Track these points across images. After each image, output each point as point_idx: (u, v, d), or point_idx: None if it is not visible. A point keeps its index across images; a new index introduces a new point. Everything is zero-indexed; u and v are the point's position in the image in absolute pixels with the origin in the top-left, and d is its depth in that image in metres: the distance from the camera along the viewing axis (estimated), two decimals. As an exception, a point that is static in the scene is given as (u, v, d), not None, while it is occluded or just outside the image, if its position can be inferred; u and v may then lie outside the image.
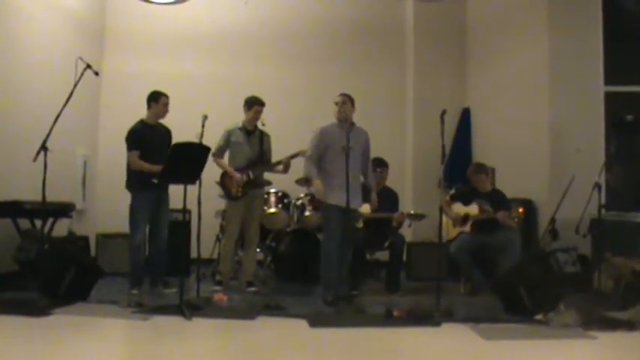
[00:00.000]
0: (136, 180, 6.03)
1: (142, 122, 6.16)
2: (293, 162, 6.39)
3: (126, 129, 6.14)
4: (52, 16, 7.06)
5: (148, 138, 6.05)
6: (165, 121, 6.29)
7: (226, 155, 6.48)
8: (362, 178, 6.09)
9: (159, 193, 6.05)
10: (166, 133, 6.28)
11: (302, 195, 7.20)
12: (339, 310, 5.32)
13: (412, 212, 6.71)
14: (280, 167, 6.44)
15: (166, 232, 6.21)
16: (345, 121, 5.88)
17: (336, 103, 5.90)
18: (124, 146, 6.14)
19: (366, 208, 6.27)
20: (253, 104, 6.38)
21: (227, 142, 6.40)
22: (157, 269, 6.19)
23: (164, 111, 6.19)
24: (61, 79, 6.17)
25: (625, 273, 5.40)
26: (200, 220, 5.53)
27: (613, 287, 5.45)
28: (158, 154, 5.77)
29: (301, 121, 7.95)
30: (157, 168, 5.69)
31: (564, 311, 4.81)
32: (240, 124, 6.42)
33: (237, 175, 6.29)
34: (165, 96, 6.19)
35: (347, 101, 5.90)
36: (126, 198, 6.12)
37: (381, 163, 6.73)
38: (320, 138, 5.90)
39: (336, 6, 9.00)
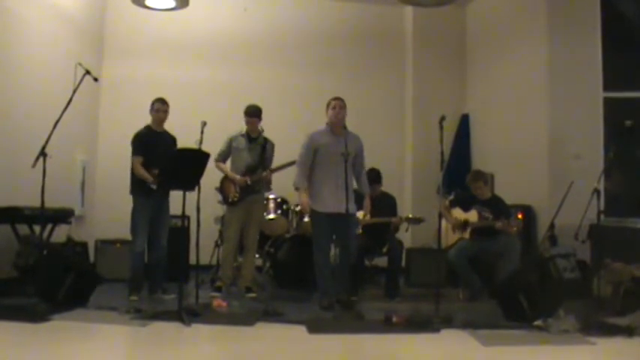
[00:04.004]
0: (137, 185, 6.05)
1: (147, 128, 6.18)
2: (286, 172, 6.36)
3: (125, 135, 6.16)
4: (51, 21, 7.06)
5: (151, 144, 6.05)
6: (164, 127, 6.28)
7: (229, 162, 6.48)
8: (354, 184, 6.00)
9: (159, 199, 6.05)
10: (171, 140, 6.26)
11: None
12: (336, 315, 5.32)
13: (410, 216, 6.69)
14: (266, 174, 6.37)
15: (166, 238, 6.21)
16: (339, 126, 5.80)
17: (333, 107, 5.78)
18: (123, 152, 6.14)
19: (361, 215, 6.25)
20: (245, 115, 6.36)
21: (229, 148, 6.42)
22: (156, 275, 6.18)
23: (157, 116, 6.17)
24: (60, 85, 6.17)
25: (624, 279, 5.39)
26: (199, 226, 5.54)
27: (612, 293, 5.43)
28: (161, 160, 5.74)
29: (299, 128, 7.86)
30: (156, 178, 5.67)
31: (563, 317, 4.80)
32: (243, 131, 6.43)
33: (238, 177, 6.28)
34: (158, 101, 6.17)
35: (344, 105, 5.80)
36: (125, 204, 6.12)
37: (374, 179, 6.54)
38: (310, 144, 5.80)
39: (336, 12, 9.03)
